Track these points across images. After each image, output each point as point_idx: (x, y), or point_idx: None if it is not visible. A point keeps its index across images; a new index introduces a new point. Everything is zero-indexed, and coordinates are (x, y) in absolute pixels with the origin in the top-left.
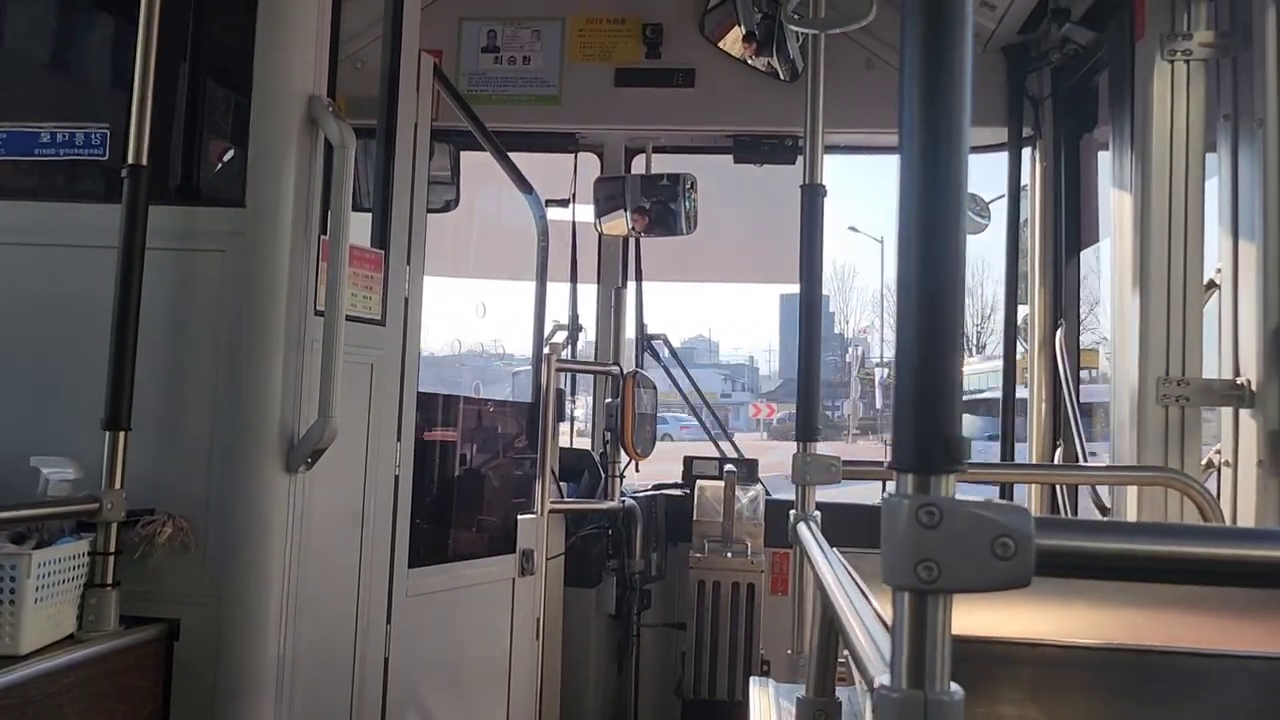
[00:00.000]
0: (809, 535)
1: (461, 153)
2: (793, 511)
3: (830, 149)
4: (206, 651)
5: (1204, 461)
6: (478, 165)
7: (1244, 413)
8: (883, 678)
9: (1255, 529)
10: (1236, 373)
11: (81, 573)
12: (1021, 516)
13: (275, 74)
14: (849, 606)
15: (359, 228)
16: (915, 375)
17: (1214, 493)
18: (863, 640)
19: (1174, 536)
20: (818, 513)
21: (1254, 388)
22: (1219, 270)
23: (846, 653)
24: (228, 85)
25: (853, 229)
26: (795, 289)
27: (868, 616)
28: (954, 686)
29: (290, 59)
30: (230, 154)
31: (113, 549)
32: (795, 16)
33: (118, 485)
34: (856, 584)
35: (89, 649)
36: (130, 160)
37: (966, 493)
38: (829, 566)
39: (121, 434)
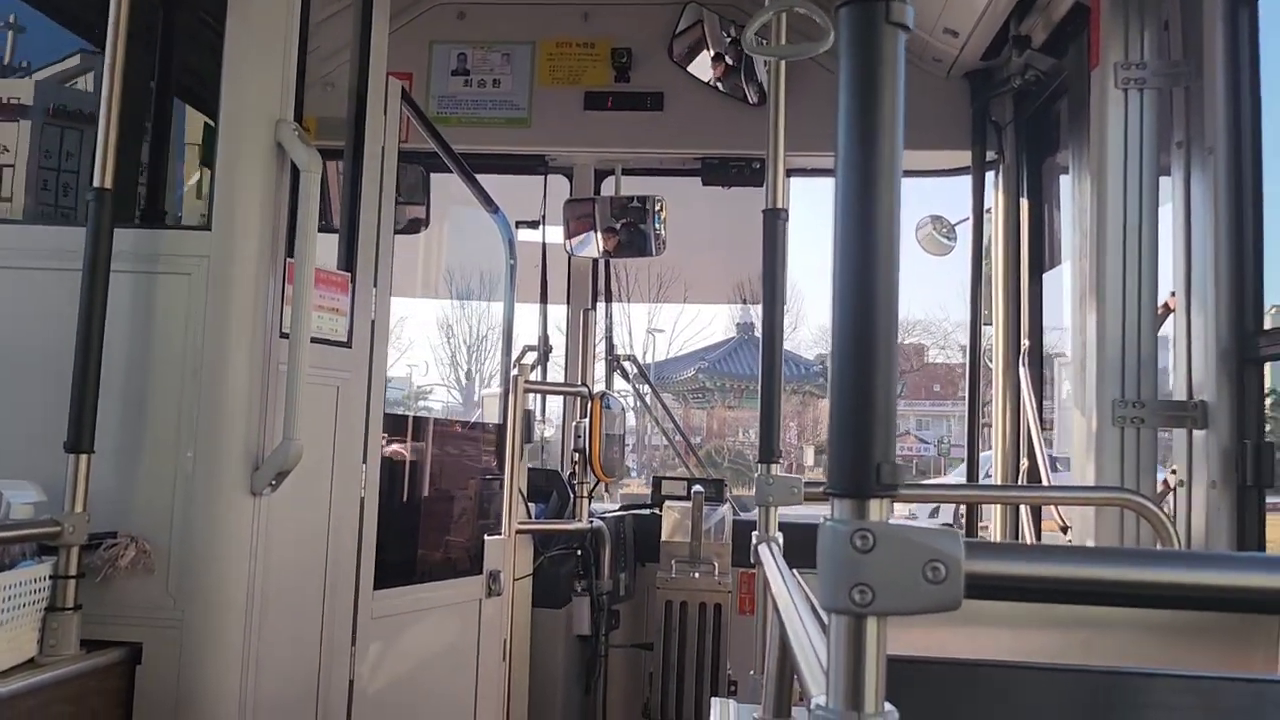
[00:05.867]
0: (769, 557)
1: (433, 175)
2: (755, 533)
3: (796, 172)
4: (168, 675)
5: (1160, 481)
6: (450, 187)
7: (1198, 434)
8: (820, 698)
9: (1181, 552)
10: (1191, 394)
11: (43, 596)
12: (952, 541)
13: (242, 98)
14: (798, 627)
15: (327, 249)
16: (849, 403)
17: (1171, 512)
18: (805, 661)
19: (1100, 560)
20: (779, 534)
21: (1208, 409)
22: (1173, 294)
23: None
24: (195, 108)
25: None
26: None
27: (814, 637)
28: (889, 707)
29: (257, 83)
30: (196, 177)
31: (74, 572)
32: (759, 43)
33: (80, 508)
34: (811, 604)
35: (49, 673)
36: (96, 183)
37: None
38: (784, 587)
39: (84, 457)
